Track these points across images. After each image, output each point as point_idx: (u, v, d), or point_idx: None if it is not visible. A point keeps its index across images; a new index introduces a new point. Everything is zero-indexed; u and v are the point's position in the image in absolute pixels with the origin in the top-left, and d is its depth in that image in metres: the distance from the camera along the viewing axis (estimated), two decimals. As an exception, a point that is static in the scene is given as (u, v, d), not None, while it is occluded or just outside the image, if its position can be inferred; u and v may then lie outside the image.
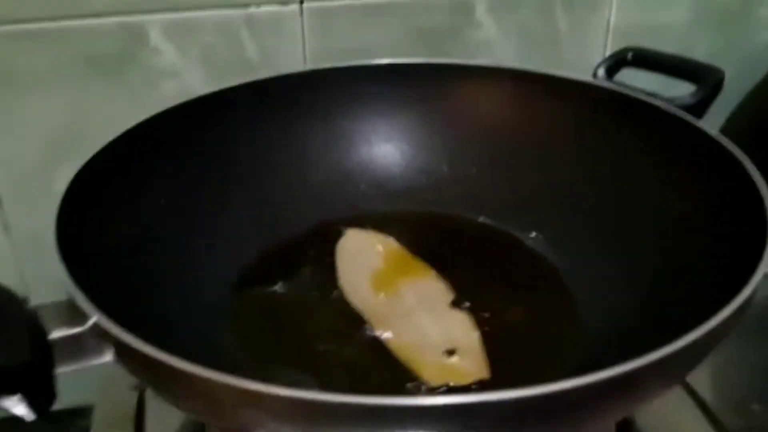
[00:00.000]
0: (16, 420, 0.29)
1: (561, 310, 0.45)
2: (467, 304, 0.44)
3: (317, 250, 0.50)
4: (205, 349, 0.40)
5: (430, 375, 0.39)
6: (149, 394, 0.44)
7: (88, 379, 0.48)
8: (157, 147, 0.48)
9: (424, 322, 0.44)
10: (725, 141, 0.43)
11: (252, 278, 0.47)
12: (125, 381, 0.46)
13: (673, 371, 0.32)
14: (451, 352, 0.41)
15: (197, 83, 0.56)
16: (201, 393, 0.28)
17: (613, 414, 0.35)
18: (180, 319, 0.41)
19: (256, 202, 0.51)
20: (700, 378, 0.45)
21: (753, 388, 0.46)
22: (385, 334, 0.42)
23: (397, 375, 0.39)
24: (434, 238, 0.51)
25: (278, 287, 0.47)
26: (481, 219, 0.52)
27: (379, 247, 0.50)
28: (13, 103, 0.54)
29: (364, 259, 0.49)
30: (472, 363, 0.40)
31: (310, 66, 0.57)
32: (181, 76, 0.56)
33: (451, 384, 0.39)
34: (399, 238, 0.51)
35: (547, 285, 0.47)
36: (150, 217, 0.45)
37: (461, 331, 0.42)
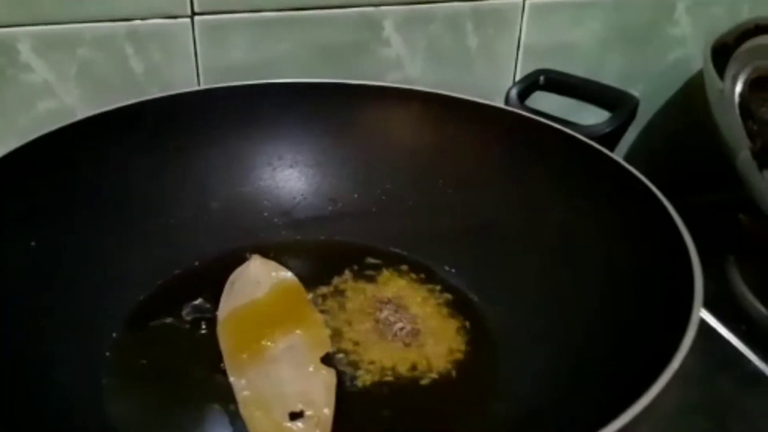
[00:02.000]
0: None
1: (476, 350, 0.42)
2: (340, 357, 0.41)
3: (213, 283, 0.45)
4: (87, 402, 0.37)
5: None
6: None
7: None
8: (30, 178, 0.43)
9: (284, 374, 0.39)
10: (639, 175, 0.42)
11: (142, 316, 0.44)
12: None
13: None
14: (296, 415, 0.36)
15: (75, 103, 0.50)
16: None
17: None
18: (62, 367, 0.37)
19: (148, 235, 0.47)
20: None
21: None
22: (238, 383, 0.38)
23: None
24: (338, 269, 0.48)
25: (167, 322, 0.43)
26: (393, 249, 0.49)
27: (272, 281, 0.45)
28: None
29: (250, 292, 0.44)
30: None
31: (204, 85, 0.52)
32: (57, 95, 0.50)
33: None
34: (301, 270, 0.46)
35: (460, 320, 0.45)
36: (17, 262, 0.40)
37: (319, 390, 0.38)
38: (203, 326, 0.43)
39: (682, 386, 0.46)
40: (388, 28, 0.55)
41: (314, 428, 0.36)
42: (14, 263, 0.40)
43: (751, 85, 0.45)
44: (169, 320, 0.43)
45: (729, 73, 0.46)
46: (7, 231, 0.40)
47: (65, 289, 0.41)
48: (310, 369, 0.39)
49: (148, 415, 0.38)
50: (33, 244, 0.41)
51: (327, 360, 0.40)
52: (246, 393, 0.38)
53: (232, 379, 0.39)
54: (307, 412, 0.37)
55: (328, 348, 0.41)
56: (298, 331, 0.41)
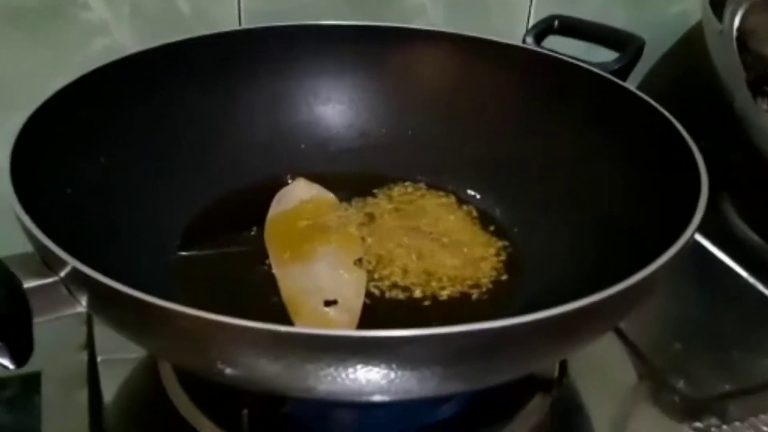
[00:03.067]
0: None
1: (500, 261, 0.47)
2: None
3: (258, 205, 0.50)
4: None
5: (301, 318, 0.40)
6: (100, 352, 0.43)
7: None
8: (94, 105, 0.46)
9: (320, 270, 0.44)
10: (651, 100, 0.46)
11: (196, 234, 0.48)
12: (71, 344, 0.44)
13: (618, 310, 0.34)
14: (330, 303, 0.42)
15: (128, 40, 0.55)
16: (186, 332, 0.29)
17: (558, 352, 0.38)
18: (128, 276, 0.41)
19: (195, 162, 0.51)
20: (627, 322, 0.49)
21: (674, 330, 0.50)
22: (281, 277, 0.43)
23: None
24: (371, 193, 0.52)
25: (220, 242, 0.48)
26: (420, 178, 0.54)
27: (314, 197, 0.51)
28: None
29: (295, 205, 0.50)
30: (343, 317, 0.41)
31: (245, 24, 0.56)
32: (111, 33, 0.54)
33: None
34: (337, 194, 0.52)
35: (485, 238, 0.49)
36: (92, 176, 0.44)
37: (351, 286, 0.43)
38: (253, 230, 0.48)
39: (683, 303, 0.53)
40: (415, -23, 0.59)
41: (344, 314, 0.41)
42: (89, 176, 0.44)
43: (747, 19, 0.50)
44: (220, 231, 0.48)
45: (727, 11, 0.51)
46: (81, 149, 0.44)
47: (130, 198, 0.45)
48: (344, 269, 0.44)
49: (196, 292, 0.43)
50: (102, 160, 0.46)
51: (358, 263, 0.45)
52: (288, 284, 0.43)
53: (276, 272, 0.43)
54: (340, 301, 0.42)
55: (361, 254, 0.46)
56: (334, 237, 0.47)
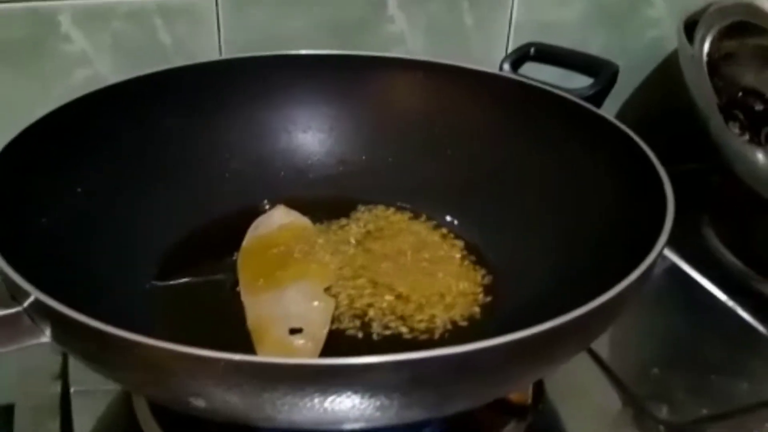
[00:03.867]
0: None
1: (477, 287, 0.47)
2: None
3: (237, 232, 0.50)
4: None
5: (264, 346, 0.41)
6: (73, 382, 0.43)
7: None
8: (71, 135, 0.47)
9: (289, 298, 0.44)
10: (623, 126, 0.47)
11: (173, 262, 0.48)
12: (45, 373, 0.45)
13: (588, 330, 0.35)
14: (295, 331, 0.42)
15: (109, 72, 0.55)
16: (148, 363, 0.29)
17: (529, 375, 0.38)
18: (102, 306, 0.41)
19: (174, 190, 0.51)
20: (604, 345, 0.49)
21: (653, 354, 0.50)
22: (250, 303, 0.44)
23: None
24: (349, 220, 0.53)
25: (197, 270, 0.48)
26: (400, 204, 0.54)
27: (291, 223, 0.51)
28: None
29: (271, 232, 0.50)
30: (307, 345, 0.41)
31: (225, 55, 0.57)
32: (93, 65, 0.55)
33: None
34: (315, 221, 0.52)
35: (462, 263, 0.50)
36: (68, 205, 0.45)
37: (318, 315, 0.43)
38: (233, 257, 0.48)
39: (662, 327, 0.53)
40: (392, 6, 0.60)
41: (309, 342, 0.41)
42: (65, 205, 0.44)
43: (715, 43, 0.51)
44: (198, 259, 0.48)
45: (697, 36, 0.52)
46: (58, 178, 0.45)
47: (106, 227, 0.46)
48: (313, 296, 0.45)
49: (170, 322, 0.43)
50: (79, 189, 0.46)
51: (329, 291, 0.45)
52: (255, 311, 0.43)
53: (244, 300, 0.44)
54: (305, 329, 0.42)
55: (332, 282, 0.46)
56: (307, 264, 0.47)
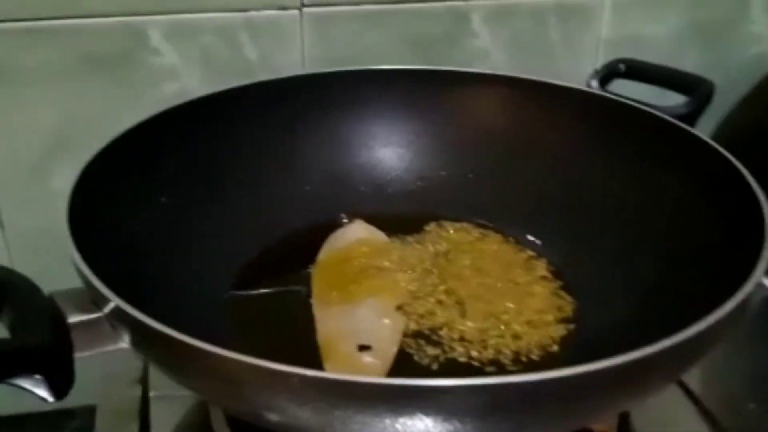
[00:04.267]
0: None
1: (556, 311, 0.46)
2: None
3: (315, 246, 0.50)
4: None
5: (331, 362, 0.40)
6: (153, 387, 0.44)
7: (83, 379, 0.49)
8: (158, 146, 0.48)
9: (360, 313, 0.44)
10: (719, 147, 0.44)
11: (251, 274, 0.48)
12: (126, 378, 0.46)
13: (677, 362, 0.33)
14: (364, 348, 0.41)
15: (196, 85, 0.57)
16: (220, 373, 0.29)
17: (615, 405, 0.36)
18: (181, 314, 0.41)
19: (255, 202, 0.52)
20: (696, 377, 0.46)
21: (748, 389, 0.47)
22: (321, 316, 0.43)
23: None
24: (427, 236, 0.52)
25: (274, 281, 0.48)
26: (479, 221, 0.53)
27: (368, 238, 0.50)
28: (13, 100, 0.54)
29: (347, 246, 0.49)
30: (375, 363, 0.40)
31: (308, 70, 0.58)
32: (181, 78, 0.56)
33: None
34: (396, 238, 0.51)
35: (544, 286, 0.48)
36: (151, 214, 0.46)
37: (387, 332, 0.42)
38: (308, 270, 0.48)
39: (758, 361, 0.49)
40: (476, 21, 0.59)
41: (377, 360, 0.40)
42: (149, 214, 0.45)
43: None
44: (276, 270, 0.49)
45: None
46: (143, 187, 0.46)
47: (187, 236, 0.46)
48: (384, 314, 0.44)
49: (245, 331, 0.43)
50: (163, 199, 0.47)
51: (401, 309, 0.45)
52: (325, 325, 0.43)
53: (316, 313, 0.43)
54: (374, 346, 0.41)
55: (404, 300, 0.45)
56: (382, 280, 0.46)
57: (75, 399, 0.46)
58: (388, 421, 0.28)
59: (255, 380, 0.28)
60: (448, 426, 0.28)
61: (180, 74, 0.56)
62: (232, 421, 0.41)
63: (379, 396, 0.27)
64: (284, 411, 0.30)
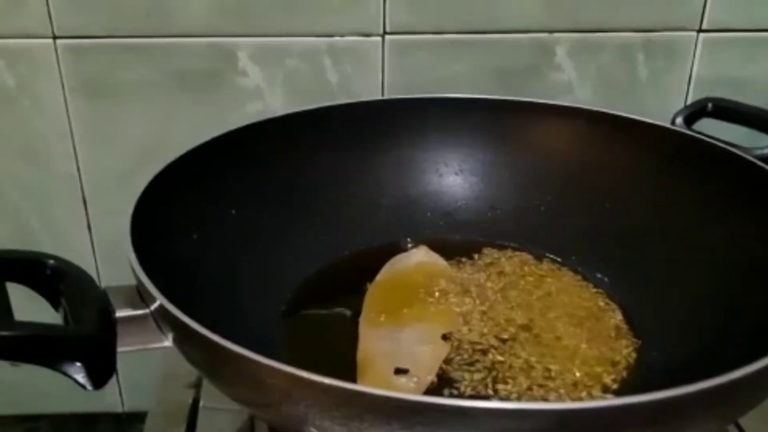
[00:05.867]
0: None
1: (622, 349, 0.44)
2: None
3: (377, 268, 0.50)
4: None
5: (365, 380, 0.39)
6: (204, 396, 0.45)
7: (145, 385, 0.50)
8: (235, 159, 0.50)
9: (404, 337, 0.43)
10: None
11: (308, 291, 0.49)
12: (180, 384, 0.47)
13: (727, 403, 0.30)
14: (401, 371, 0.40)
15: (278, 106, 0.59)
16: (256, 380, 0.29)
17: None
18: (234, 324, 0.42)
19: (321, 222, 0.52)
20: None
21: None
22: (365, 336, 0.43)
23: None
24: (492, 267, 0.51)
25: (331, 300, 0.48)
26: (547, 255, 0.52)
27: (428, 264, 0.50)
28: (108, 112, 0.58)
29: (406, 270, 0.49)
30: (409, 386, 0.39)
31: (387, 95, 0.59)
32: (265, 98, 0.58)
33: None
34: (456, 265, 0.51)
35: (609, 330, 0.46)
36: (220, 224, 0.47)
37: (427, 359, 0.41)
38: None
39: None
40: (560, 54, 0.58)
41: (411, 384, 0.40)
42: (219, 224, 0.47)
43: None
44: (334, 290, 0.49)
45: None
46: (215, 199, 0.48)
47: (252, 249, 0.48)
48: (429, 340, 0.43)
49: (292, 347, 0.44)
50: (233, 212, 0.49)
51: (448, 337, 0.44)
52: (367, 344, 0.43)
53: (361, 331, 0.43)
54: (411, 370, 0.40)
55: (454, 328, 0.44)
56: (433, 308, 0.46)
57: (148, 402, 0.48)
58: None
59: (275, 383, 0.28)
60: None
61: (264, 95, 0.58)
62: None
63: (401, 412, 0.27)
64: (319, 424, 0.30)
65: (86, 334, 0.30)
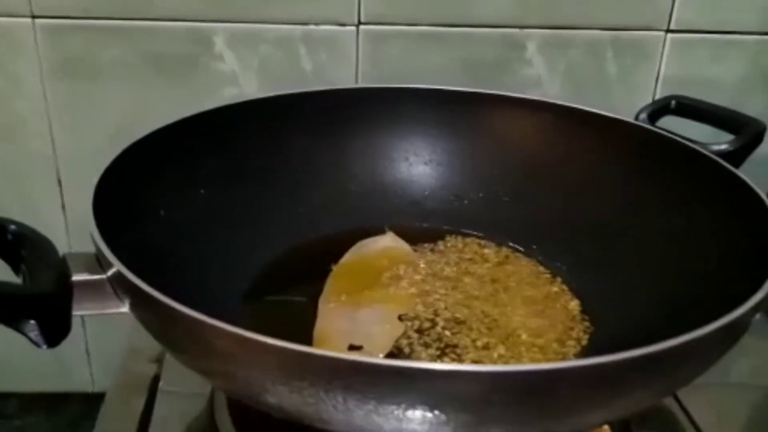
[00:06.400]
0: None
1: (575, 334, 0.45)
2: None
3: (340, 252, 0.51)
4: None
5: None
6: (164, 376, 0.46)
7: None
8: (207, 140, 0.51)
9: (361, 316, 0.44)
10: (758, 190, 0.43)
11: (273, 272, 0.50)
12: (144, 358, 0.48)
13: (661, 373, 0.32)
14: (354, 347, 0.41)
15: (253, 91, 0.59)
16: (206, 343, 0.30)
17: (600, 410, 0.35)
18: (198, 301, 0.43)
19: (291, 204, 0.53)
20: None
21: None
22: (322, 314, 0.44)
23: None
24: (456, 254, 0.52)
25: (293, 282, 0.49)
26: (510, 244, 0.53)
27: (393, 249, 0.51)
28: (83, 92, 0.59)
29: (371, 254, 0.50)
30: None
31: (361, 85, 0.60)
32: (239, 83, 0.59)
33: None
34: (422, 252, 0.52)
35: (565, 313, 0.47)
36: (188, 202, 0.48)
37: (382, 338, 0.43)
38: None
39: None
40: (531, 49, 0.60)
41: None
42: (187, 202, 0.48)
43: None
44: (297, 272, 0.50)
45: None
46: (185, 178, 0.49)
47: (221, 230, 0.48)
48: (385, 320, 0.44)
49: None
50: (202, 191, 0.49)
51: (403, 318, 0.45)
52: (325, 322, 0.44)
53: (320, 308, 0.44)
54: (365, 348, 0.41)
55: (409, 310, 0.45)
56: (392, 290, 0.47)
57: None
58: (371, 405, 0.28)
59: (222, 345, 0.29)
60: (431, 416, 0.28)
61: (239, 80, 0.59)
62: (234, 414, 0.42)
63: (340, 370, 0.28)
64: (271, 390, 0.30)
65: (40, 292, 0.31)
